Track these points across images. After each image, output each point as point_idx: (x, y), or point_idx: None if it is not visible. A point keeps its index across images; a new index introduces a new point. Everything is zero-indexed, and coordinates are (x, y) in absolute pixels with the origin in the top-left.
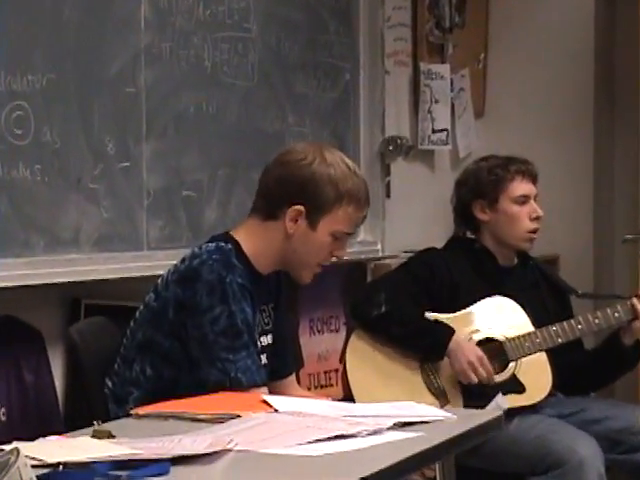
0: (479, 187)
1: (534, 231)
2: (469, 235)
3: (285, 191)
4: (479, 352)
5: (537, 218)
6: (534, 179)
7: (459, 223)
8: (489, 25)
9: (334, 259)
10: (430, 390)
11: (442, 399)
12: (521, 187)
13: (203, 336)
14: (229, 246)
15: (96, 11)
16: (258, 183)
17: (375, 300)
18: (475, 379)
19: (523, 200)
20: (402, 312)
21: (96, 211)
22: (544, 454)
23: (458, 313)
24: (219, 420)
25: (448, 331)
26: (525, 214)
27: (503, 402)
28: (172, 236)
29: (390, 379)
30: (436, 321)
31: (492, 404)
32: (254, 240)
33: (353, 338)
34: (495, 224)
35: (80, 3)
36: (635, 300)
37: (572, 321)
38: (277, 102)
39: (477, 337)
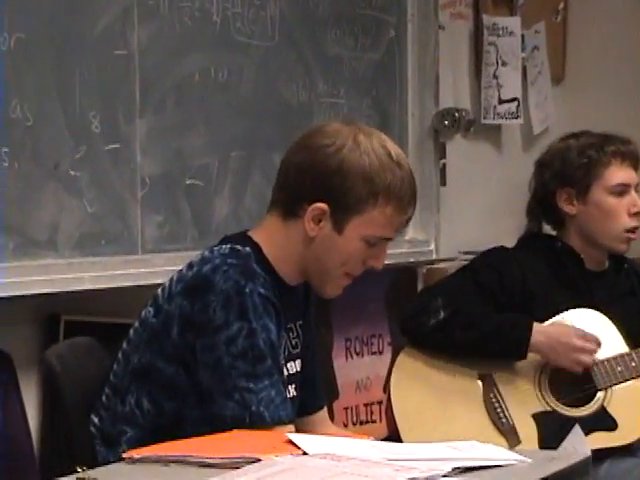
0: (567, 172)
1: (634, 230)
2: (547, 232)
3: (306, 184)
4: (570, 326)
5: (638, 213)
6: (636, 164)
7: (536, 215)
8: None
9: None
10: (497, 426)
11: (512, 437)
12: (620, 174)
13: (217, 360)
14: (248, 249)
15: None
16: (278, 170)
17: (431, 307)
18: (590, 361)
19: (622, 190)
20: (465, 314)
21: (78, 204)
22: None
23: None
24: (234, 465)
25: (525, 321)
26: (623, 208)
27: (580, 443)
28: (173, 235)
29: (446, 411)
30: (507, 315)
31: (565, 443)
32: (276, 243)
33: (401, 360)
34: (585, 219)
35: None
36: None
37: None
38: (304, 66)
39: None
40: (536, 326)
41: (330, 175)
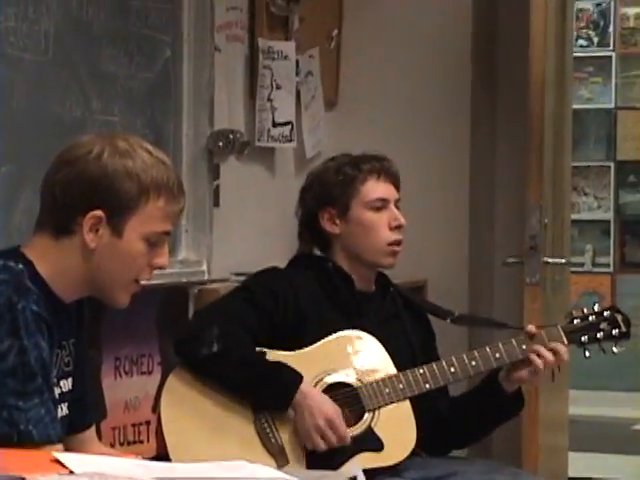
0: (326, 192)
1: (396, 243)
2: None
3: (75, 197)
4: (331, 409)
5: (399, 227)
6: (394, 180)
7: (306, 239)
8: None
9: (155, 271)
10: (266, 447)
11: (280, 458)
12: (377, 189)
13: None
14: (21, 266)
15: None
16: (40, 193)
17: (206, 337)
18: (323, 446)
19: (380, 205)
20: (239, 353)
21: None
22: None
23: (305, 350)
24: None
25: (295, 378)
26: (383, 222)
27: (354, 468)
28: None
29: (217, 432)
30: (280, 364)
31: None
32: (50, 261)
33: (171, 380)
34: (348, 237)
35: None
36: (526, 335)
37: (443, 363)
38: (78, 83)
39: (327, 381)
40: (303, 386)
41: (97, 181)
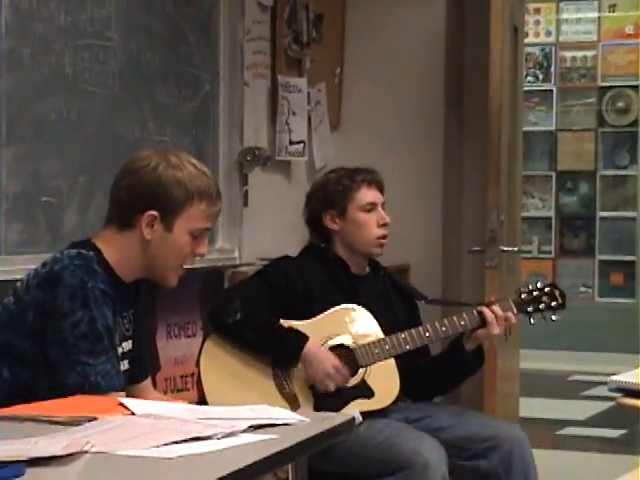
0: (328, 198)
1: (383, 237)
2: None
3: (136, 199)
4: (334, 360)
5: (385, 224)
6: (380, 187)
7: (313, 234)
8: (345, 41)
9: (197, 258)
10: (282, 394)
11: (293, 403)
12: (367, 195)
13: (63, 340)
14: (91, 253)
15: None
16: (109, 194)
17: (231, 307)
18: (332, 388)
19: (370, 208)
20: (256, 319)
21: None
22: (390, 457)
23: (312, 320)
24: (76, 422)
25: (302, 338)
26: (373, 221)
27: (352, 410)
28: (31, 240)
29: (243, 383)
30: (290, 328)
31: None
32: (114, 249)
33: (208, 343)
34: (345, 233)
35: None
36: (482, 308)
37: (420, 328)
38: (138, 110)
39: (330, 343)
40: (309, 344)
41: (153, 187)
